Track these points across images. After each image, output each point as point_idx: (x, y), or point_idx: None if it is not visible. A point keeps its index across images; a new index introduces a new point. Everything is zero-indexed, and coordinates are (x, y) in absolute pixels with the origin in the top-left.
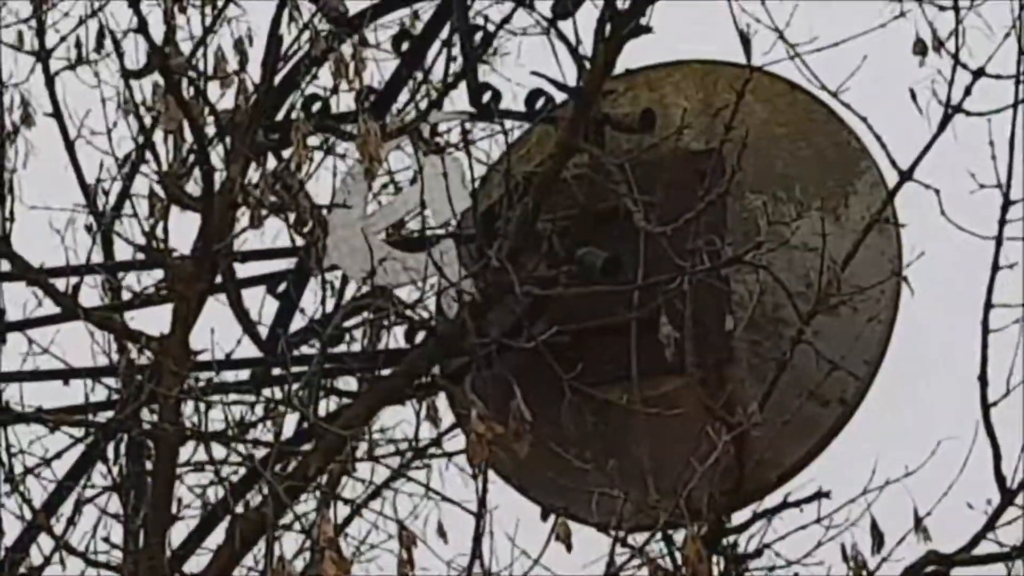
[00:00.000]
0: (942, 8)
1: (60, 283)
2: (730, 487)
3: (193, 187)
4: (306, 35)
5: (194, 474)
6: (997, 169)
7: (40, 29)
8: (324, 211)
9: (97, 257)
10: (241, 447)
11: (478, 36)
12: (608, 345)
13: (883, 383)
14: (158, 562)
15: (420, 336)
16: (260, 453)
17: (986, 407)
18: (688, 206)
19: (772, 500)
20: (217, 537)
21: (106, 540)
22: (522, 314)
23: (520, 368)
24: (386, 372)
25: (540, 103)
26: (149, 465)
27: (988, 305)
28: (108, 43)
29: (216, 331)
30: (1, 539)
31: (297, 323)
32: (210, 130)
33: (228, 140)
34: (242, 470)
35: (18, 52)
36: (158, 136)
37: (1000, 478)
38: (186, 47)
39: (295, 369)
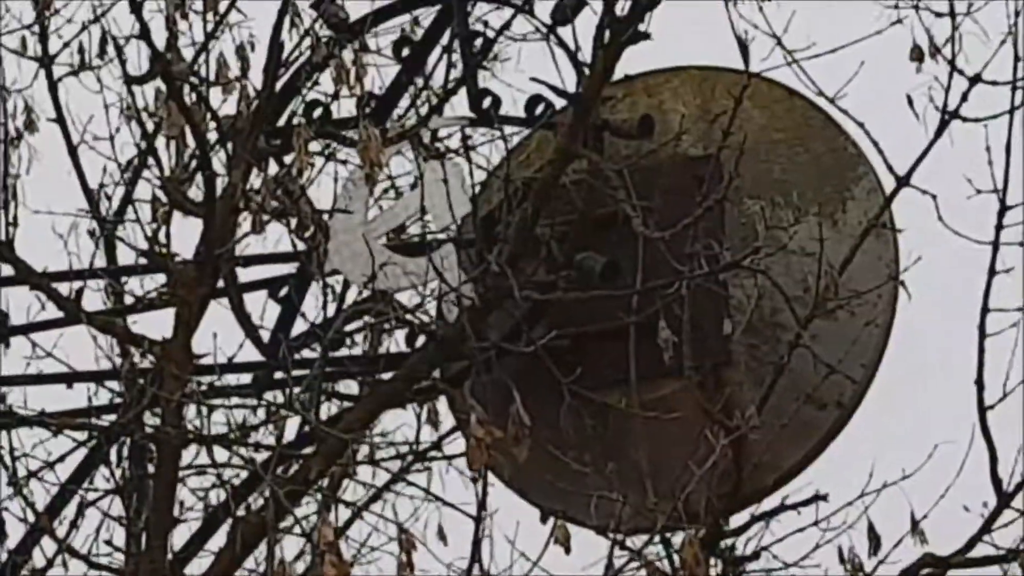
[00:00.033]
0: (939, 14)
1: (63, 287)
2: (728, 490)
3: (195, 192)
4: (307, 41)
5: (196, 477)
6: (994, 174)
7: (43, 35)
8: (325, 216)
9: (100, 262)
10: (243, 450)
11: (478, 42)
12: (607, 349)
13: (880, 387)
14: (160, 565)
15: (420, 340)
16: (261, 456)
17: (983, 410)
18: (686, 211)
19: (770, 503)
20: (219, 540)
21: (108, 543)
22: (522, 318)
23: (519, 372)
24: (387, 376)
25: (539, 109)
26: (151, 468)
27: (985, 309)
28: (111, 49)
29: (218, 335)
30: (4, 542)
31: (298, 327)
32: (212, 136)
33: (230, 146)
34: (244, 473)
35: (21, 58)
36: (160, 142)
37: (996, 481)
38: (188, 53)
39: (296, 373)
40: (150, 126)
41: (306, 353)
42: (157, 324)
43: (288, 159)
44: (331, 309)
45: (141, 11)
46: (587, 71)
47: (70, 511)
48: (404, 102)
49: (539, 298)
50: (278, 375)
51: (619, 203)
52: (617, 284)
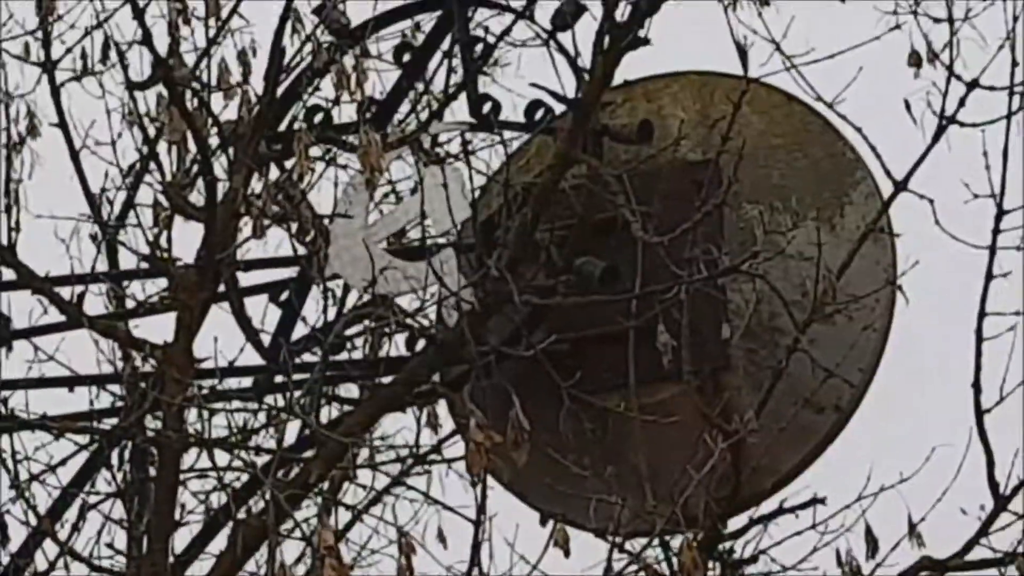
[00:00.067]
0: (937, 20)
1: (65, 291)
2: (726, 493)
3: (196, 197)
4: (308, 47)
5: (197, 480)
6: (991, 179)
7: (46, 40)
8: (326, 221)
9: (102, 266)
10: (243, 454)
11: (478, 48)
12: (606, 353)
13: (878, 391)
14: (161, 567)
15: (420, 344)
16: (262, 460)
17: (979, 414)
18: (685, 216)
19: (768, 506)
20: (219, 543)
21: (110, 546)
22: (521, 323)
23: (519, 376)
24: (387, 380)
25: (539, 114)
26: (152, 472)
27: (982, 313)
28: (113, 54)
29: (219, 339)
30: (6, 545)
31: (299, 331)
32: (213, 141)
33: (231, 151)
34: (244, 476)
35: (24, 63)
36: (162, 147)
37: (993, 484)
38: (190, 59)
39: (297, 377)
40: (152, 131)
41: (307, 357)
42: (158, 328)
43: (289, 164)
44: (331, 313)
45: (143, 17)
46: (587, 76)
47: (72, 514)
48: (405, 107)
49: (539, 302)
50: (279, 379)
51: (618, 208)
52: (616, 288)
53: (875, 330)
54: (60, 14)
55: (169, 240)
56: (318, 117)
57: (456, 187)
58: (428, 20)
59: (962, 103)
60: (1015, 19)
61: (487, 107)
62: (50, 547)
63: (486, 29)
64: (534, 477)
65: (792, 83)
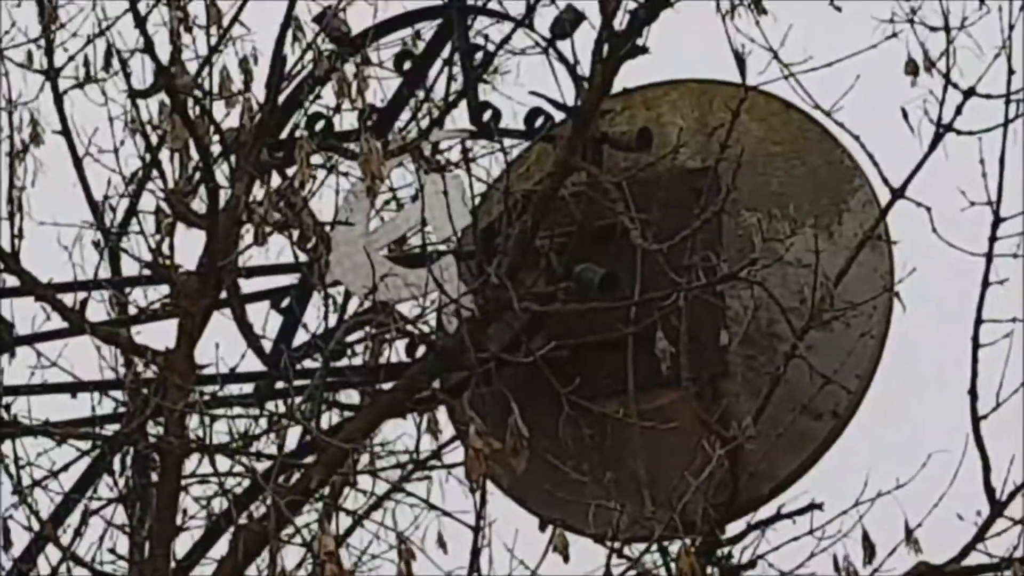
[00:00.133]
0: (933, 29)
1: (68, 298)
2: (724, 499)
3: (198, 204)
4: (309, 55)
5: (198, 486)
6: (988, 187)
7: (49, 48)
8: (327, 228)
9: (104, 273)
10: (245, 460)
11: (478, 56)
12: (605, 360)
13: (875, 397)
14: (163, 572)
15: (421, 351)
16: (263, 466)
17: (976, 420)
18: (684, 223)
19: (765, 512)
20: (221, 548)
21: (112, 551)
22: (521, 329)
23: (519, 382)
24: (387, 386)
25: (539, 122)
26: (154, 477)
27: (978, 320)
28: (115, 62)
29: (220, 345)
30: (9, 550)
31: (300, 338)
32: (215, 148)
33: (233, 158)
34: (246, 482)
35: (27, 71)
36: (164, 154)
37: (989, 490)
38: (192, 67)
39: (298, 383)
40: (154, 139)
41: (307, 363)
42: (160, 335)
43: (290, 171)
44: (332, 320)
45: (145, 25)
46: (586, 84)
47: (74, 519)
48: (405, 115)
49: (538, 309)
50: (280, 385)
51: (618, 215)
52: (615, 295)
53: (872, 337)
54: (63, 22)
55: (171, 247)
56: (319, 125)
57: (456, 194)
58: (428, 28)
59: (959, 111)
60: (1011, 27)
61: (487, 115)
62: (53, 552)
63: (486, 37)
64: (533, 483)
65: (790, 91)
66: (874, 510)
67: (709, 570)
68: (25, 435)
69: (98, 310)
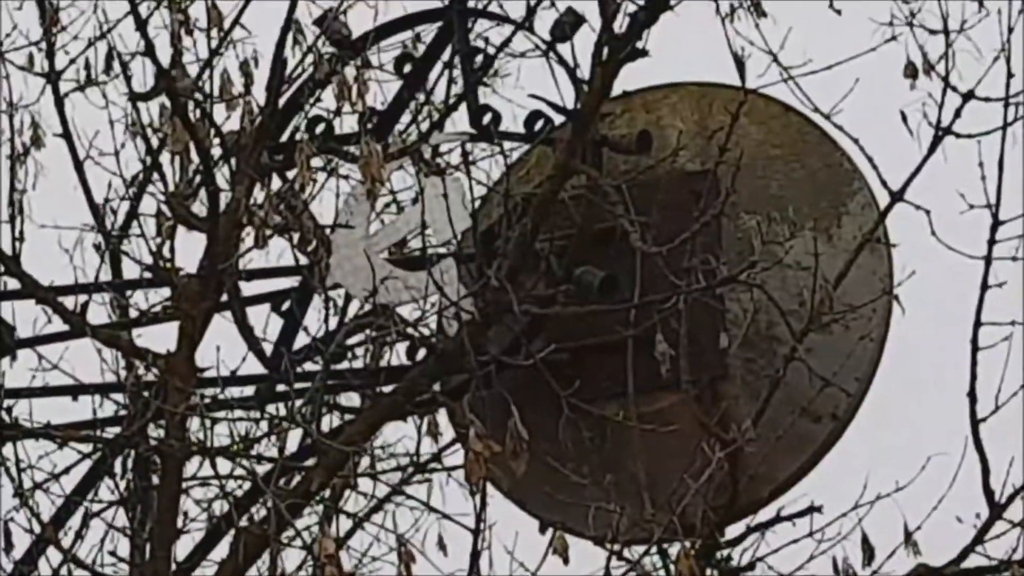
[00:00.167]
0: (932, 32)
1: (69, 301)
2: (724, 502)
3: (199, 207)
4: (310, 58)
5: (199, 489)
6: (986, 190)
7: (50, 51)
8: (327, 231)
9: (105, 276)
10: (245, 462)
11: (479, 59)
12: (605, 362)
13: (874, 400)
14: (164, 575)
15: (421, 354)
16: (264, 468)
17: (975, 423)
18: (684, 226)
19: (765, 514)
20: (221, 551)
21: (113, 554)
22: (521, 332)
23: (519, 385)
24: (388, 389)
25: (539, 125)
26: (155, 480)
27: (978, 323)
28: (116, 65)
29: (221, 348)
30: (10, 552)
31: (301, 340)
32: (216, 151)
33: (233, 161)
34: (246, 485)
35: (28, 74)
36: (165, 157)
37: (988, 492)
38: (192, 70)
39: (298, 386)
40: (155, 142)
41: (308, 366)
42: (161, 337)
43: (291, 174)
44: (333, 323)
45: (146, 28)
46: (586, 87)
47: (75, 522)
48: (405, 118)
49: (538, 312)
50: (280, 388)
51: (617, 218)
52: (615, 298)
53: (872, 340)
54: (64, 25)
55: (172, 250)
56: (319, 128)
57: (456, 197)
58: (429, 31)
59: (958, 114)
60: (1010, 30)
61: (487, 118)
62: (54, 555)
63: (486, 40)
64: (533, 485)
65: (789, 94)
66: (873, 512)
67: (709, 572)
68: (26, 438)
69: (99, 313)
